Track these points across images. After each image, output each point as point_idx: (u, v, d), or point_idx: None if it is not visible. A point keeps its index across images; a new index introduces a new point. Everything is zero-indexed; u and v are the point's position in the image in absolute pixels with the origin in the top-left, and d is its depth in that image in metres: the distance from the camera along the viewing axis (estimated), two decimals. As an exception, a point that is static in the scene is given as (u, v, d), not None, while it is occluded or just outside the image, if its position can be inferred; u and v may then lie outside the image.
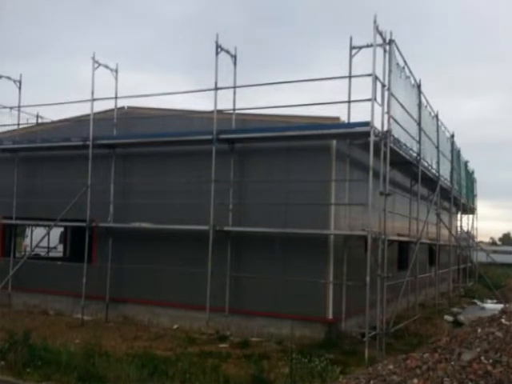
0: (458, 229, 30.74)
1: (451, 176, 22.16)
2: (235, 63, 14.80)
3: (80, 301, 15.00)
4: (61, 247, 25.92)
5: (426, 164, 17.42)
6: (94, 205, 15.34)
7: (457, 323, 16.07)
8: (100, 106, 16.10)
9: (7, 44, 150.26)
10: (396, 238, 15.43)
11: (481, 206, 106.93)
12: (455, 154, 23.86)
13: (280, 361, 10.83)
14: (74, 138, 15.83)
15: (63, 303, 16.21)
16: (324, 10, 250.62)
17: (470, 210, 32.10)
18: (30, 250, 20.63)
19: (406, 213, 17.16)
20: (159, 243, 15.00)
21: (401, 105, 13.51)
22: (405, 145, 14.06)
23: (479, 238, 44.02)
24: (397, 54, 12.96)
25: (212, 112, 13.93)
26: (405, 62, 13.79)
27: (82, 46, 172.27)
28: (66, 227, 22.93)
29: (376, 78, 11.97)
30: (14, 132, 18.08)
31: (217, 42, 14.06)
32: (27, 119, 19.42)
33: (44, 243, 20.79)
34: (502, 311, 7.43)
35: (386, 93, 12.43)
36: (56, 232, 24.36)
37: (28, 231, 26.85)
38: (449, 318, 17.51)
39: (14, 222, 17.60)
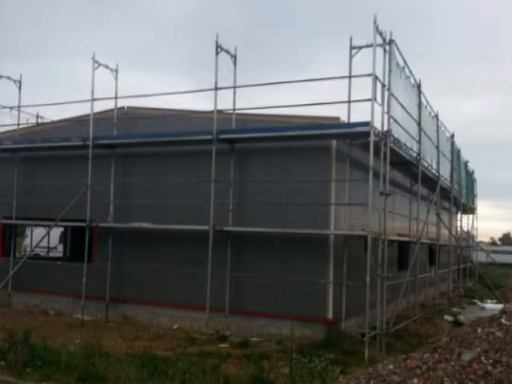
0: (458, 229, 30.74)
1: (451, 176, 22.15)
2: (235, 63, 14.81)
3: (80, 301, 15.00)
4: (61, 247, 25.91)
5: (426, 164, 17.42)
6: (94, 205, 15.34)
7: (457, 323, 16.07)
8: (100, 106, 16.15)
9: (7, 44, 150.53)
10: (396, 238, 15.43)
11: (481, 206, 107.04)
12: (455, 154, 23.86)
13: (280, 361, 10.83)
14: (74, 138, 15.84)
15: (63, 303, 16.22)
16: (324, 10, 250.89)
17: (470, 209, 32.09)
18: (30, 249, 20.63)
19: (406, 213, 17.16)
20: (159, 243, 15.00)
21: (401, 105, 13.51)
22: (405, 145, 14.06)
23: (479, 238, 44.11)
24: (397, 54, 12.96)
25: (212, 112, 13.94)
26: (405, 61, 13.81)
27: (81, 46, 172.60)
28: (65, 227, 22.93)
29: (376, 77, 11.97)
30: (14, 132, 18.08)
31: (217, 42, 14.07)
32: (27, 119, 19.44)
33: (44, 243, 20.80)
34: (502, 311, 7.43)
35: (386, 93, 12.43)
36: (56, 232, 24.36)
37: (28, 231, 26.84)
38: (449, 318, 17.51)
39: (14, 222, 17.60)
